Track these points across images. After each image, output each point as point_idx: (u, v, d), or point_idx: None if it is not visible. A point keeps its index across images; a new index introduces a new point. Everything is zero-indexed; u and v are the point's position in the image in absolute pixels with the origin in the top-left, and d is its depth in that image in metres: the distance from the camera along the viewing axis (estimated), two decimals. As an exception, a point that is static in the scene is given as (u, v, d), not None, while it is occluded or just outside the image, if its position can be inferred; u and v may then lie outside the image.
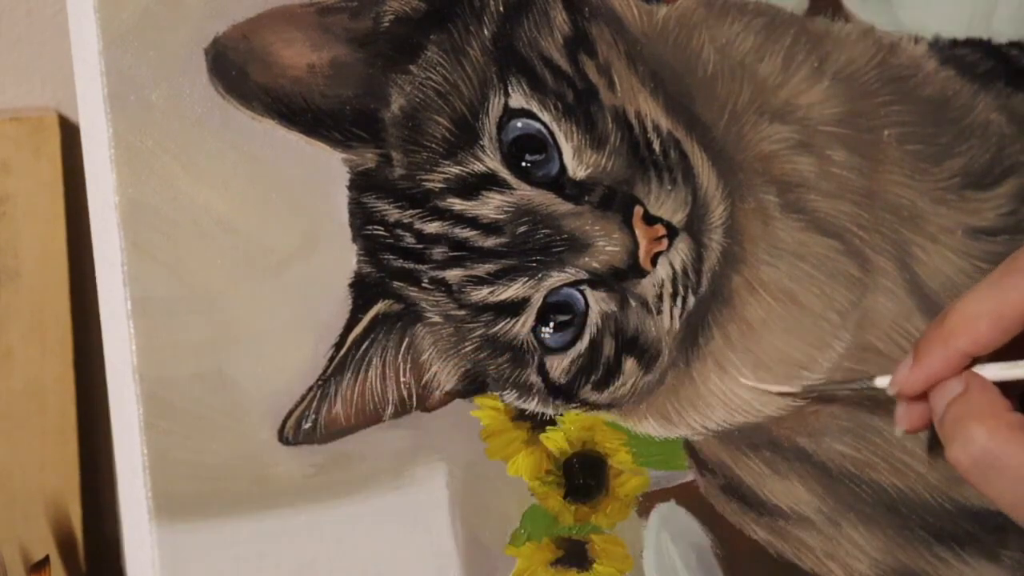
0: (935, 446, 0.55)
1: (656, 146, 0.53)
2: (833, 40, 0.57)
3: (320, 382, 0.51)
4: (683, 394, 0.55)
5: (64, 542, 0.65)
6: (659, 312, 0.53)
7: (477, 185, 0.51)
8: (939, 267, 0.57)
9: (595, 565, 0.55)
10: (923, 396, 0.47)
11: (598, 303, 0.53)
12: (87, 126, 0.48)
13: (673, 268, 0.53)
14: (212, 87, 0.49)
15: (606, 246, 0.51)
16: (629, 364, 0.54)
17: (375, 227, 0.51)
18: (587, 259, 0.51)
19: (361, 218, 0.51)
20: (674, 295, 0.53)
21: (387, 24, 0.51)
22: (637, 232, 0.51)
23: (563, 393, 0.54)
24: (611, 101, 0.52)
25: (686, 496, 0.56)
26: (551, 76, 0.52)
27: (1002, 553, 0.59)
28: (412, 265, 0.51)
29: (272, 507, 0.50)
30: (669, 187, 0.52)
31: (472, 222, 0.51)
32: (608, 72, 0.53)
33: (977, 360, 0.45)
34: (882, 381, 0.49)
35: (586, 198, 0.51)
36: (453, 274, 0.51)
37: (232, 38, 0.49)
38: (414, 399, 0.52)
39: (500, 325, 0.52)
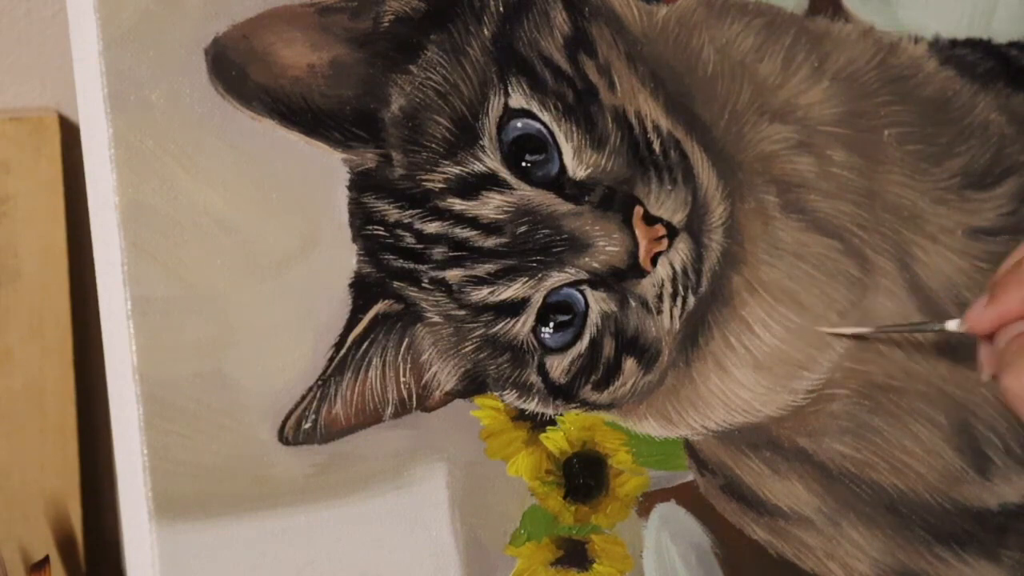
0: None
1: (656, 146, 0.53)
2: (833, 40, 0.57)
3: (320, 382, 0.51)
4: (683, 394, 0.55)
5: (64, 542, 0.65)
6: (659, 312, 0.53)
7: (477, 185, 0.51)
8: (939, 267, 0.57)
9: (595, 565, 0.55)
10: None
11: (598, 303, 0.53)
12: (87, 126, 0.48)
13: (673, 268, 0.53)
14: (212, 87, 0.49)
15: (606, 246, 0.51)
16: (629, 364, 0.54)
17: (375, 227, 0.51)
18: (587, 259, 0.51)
19: (361, 218, 0.51)
20: (674, 295, 0.53)
21: (387, 24, 0.51)
22: (637, 232, 0.51)
23: (563, 393, 0.54)
24: (611, 101, 0.52)
25: (686, 496, 0.56)
26: (551, 76, 0.52)
27: (1002, 553, 0.59)
28: (412, 265, 0.51)
29: (272, 507, 0.50)
30: (669, 187, 0.52)
31: (472, 222, 0.51)
32: (608, 72, 0.53)
33: None
34: (953, 324, 0.50)
35: (586, 198, 0.51)
36: (453, 274, 0.51)
37: (232, 38, 0.49)
38: (414, 399, 0.52)
39: (500, 325, 0.52)
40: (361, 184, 0.51)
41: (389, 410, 0.52)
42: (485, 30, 0.52)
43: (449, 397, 0.53)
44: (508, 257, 0.51)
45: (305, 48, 0.50)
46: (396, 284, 0.52)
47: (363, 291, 0.51)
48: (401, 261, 0.51)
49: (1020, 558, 0.59)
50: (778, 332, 0.55)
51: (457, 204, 0.51)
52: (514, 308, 0.52)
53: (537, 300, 0.52)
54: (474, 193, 0.51)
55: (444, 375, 0.53)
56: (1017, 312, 0.45)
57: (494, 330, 0.52)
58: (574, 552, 0.55)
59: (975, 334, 0.47)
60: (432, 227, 0.51)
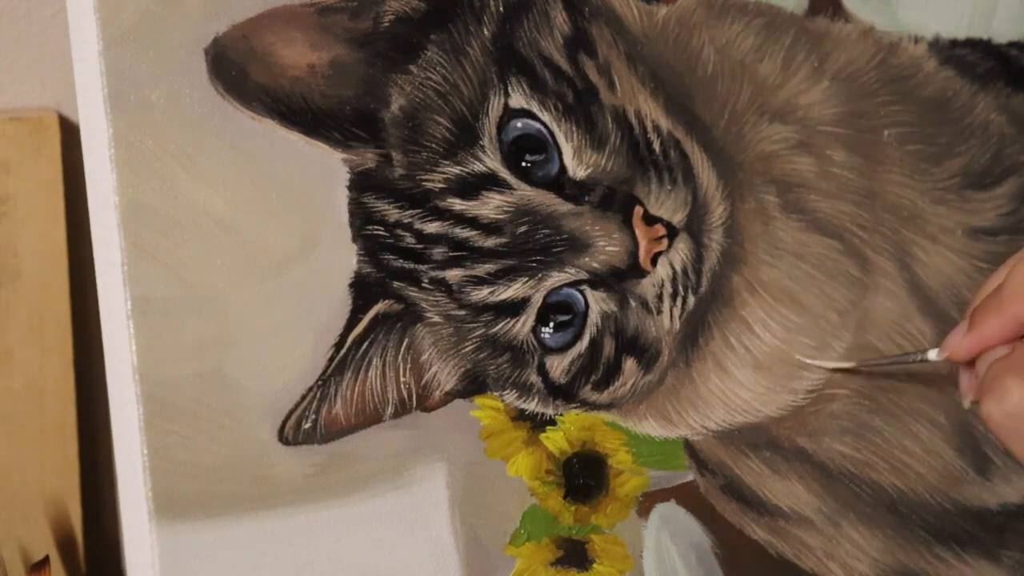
0: None
1: (656, 146, 0.53)
2: (833, 40, 0.57)
3: (320, 382, 0.51)
4: (683, 394, 0.55)
5: (64, 542, 0.65)
6: (659, 312, 0.53)
7: (477, 185, 0.51)
8: (939, 267, 0.57)
9: (595, 565, 0.55)
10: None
11: (598, 303, 0.53)
12: (87, 126, 0.48)
13: (673, 268, 0.53)
14: (212, 87, 0.49)
15: (606, 246, 0.51)
16: (629, 364, 0.54)
17: (375, 227, 0.51)
18: (587, 259, 0.51)
19: (361, 218, 0.51)
20: (674, 295, 0.53)
21: (387, 24, 0.51)
22: (637, 232, 0.51)
23: (563, 393, 0.54)
24: (611, 101, 0.52)
25: (686, 496, 0.56)
26: (551, 76, 0.52)
27: (1002, 553, 0.59)
28: (412, 265, 0.51)
29: (272, 507, 0.50)
30: (669, 187, 0.52)
31: (472, 222, 0.51)
32: (608, 72, 0.53)
33: None
34: (933, 354, 0.50)
35: (586, 198, 0.51)
36: (453, 274, 0.51)
37: (232, 38, 0.49)
38: (414, 399, 0.52)
39: (500, 325, 0.52)
40: (361, 184, 0.51)
41: (389, 410, 0.52)
42: (485, 30, 0.52)
43: (449, 397, 0.53)
44: (508, 257, 0.51)
45: (305, 48, 0.50)
46: (396, 284, 0.52)
47: (363, 291, 0.51)
48: (401, 261, 0.51)
49: (1020, 558, 0.59)
50: (778, 332, 0.55)
51: (457, 204, 0.51)
52: (514, 308, 0.52)
53: (537, 300, 0.52)
54: (474, 193, 0.51)
55: (444, 375, 0.53)
56: (996, 339, 0.45)
57: (494, 330, 0.52)
58: (574, 552, 0.55)
59: (955, 362, 0.48)
60: (432, 227, 0.51)
